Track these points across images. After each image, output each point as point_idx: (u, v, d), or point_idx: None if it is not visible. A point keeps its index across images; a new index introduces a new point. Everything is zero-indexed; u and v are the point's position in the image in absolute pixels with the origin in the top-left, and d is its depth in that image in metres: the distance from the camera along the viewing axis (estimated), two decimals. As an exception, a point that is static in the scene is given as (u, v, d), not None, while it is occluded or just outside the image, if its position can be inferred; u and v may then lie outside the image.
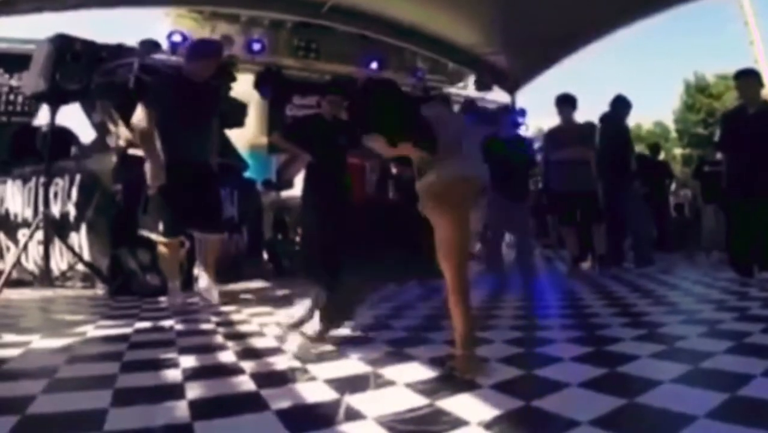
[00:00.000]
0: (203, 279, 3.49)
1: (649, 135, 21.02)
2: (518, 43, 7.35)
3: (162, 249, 3.33)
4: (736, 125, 4.27)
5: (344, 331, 2.46)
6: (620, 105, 5.26)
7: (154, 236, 3.28)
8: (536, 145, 6.74)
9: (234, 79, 6.47)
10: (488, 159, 5.76)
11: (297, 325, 2.37)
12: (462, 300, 1.74)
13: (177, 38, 6.99)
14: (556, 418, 1.35)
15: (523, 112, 8.73)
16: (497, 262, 5.07)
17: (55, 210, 4.21)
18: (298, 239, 5.55)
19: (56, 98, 3.84)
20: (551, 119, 5.57)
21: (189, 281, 3.76)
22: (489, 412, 1.39)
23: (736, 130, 4.23)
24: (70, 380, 1.69)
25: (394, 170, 5.04)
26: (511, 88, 8.84)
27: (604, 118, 5.31)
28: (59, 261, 4.15)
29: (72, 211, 4.20)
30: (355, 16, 7.23)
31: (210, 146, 3.52)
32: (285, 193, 6.41)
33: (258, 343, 2.27)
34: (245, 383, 1.68)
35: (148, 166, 3.18)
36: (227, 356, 2.04)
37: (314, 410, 1.44)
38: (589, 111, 5.67)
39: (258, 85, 7.72)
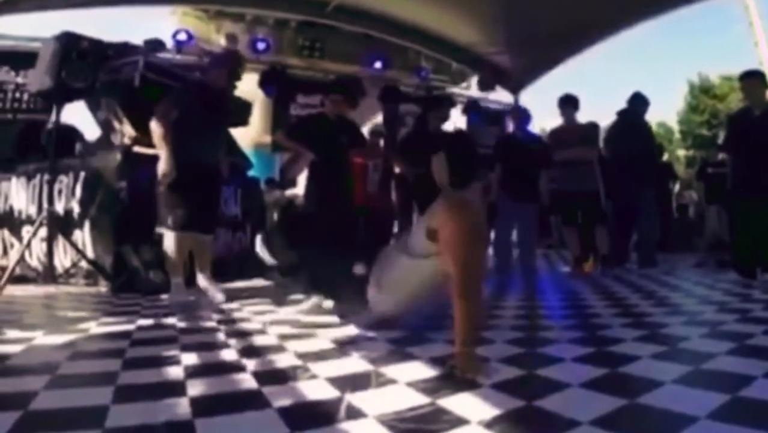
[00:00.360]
0: (202, 279, 3.55)
1: (653, 136, 20.86)
2: (521, 43, 7.33)
3: (171, 244, 3.37)
4: (741, 127, 4.24)
5: (346, 329, 2.47)
6: (638, 102, 5.21)
7: (166, 231, 3.35)
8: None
9: (239, 78, 6.47)
10: (499, 159, 5.72)
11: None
12: (463, 297, 1.78)
13: (182, 37, 7.02)
14: (556, 418, 1.35)
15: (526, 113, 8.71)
16: (506, 263, 5.05)
17: (59, 207, 4.23)
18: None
19: (62, 96, 3.86)
20: (554, 120, 5.57)
21: (192, 279, 3.77)
22: (490, 411, 1.39)
23: (742, 131, 4.20)
24: (72, 377, 1.70)
25: (396, 169, 5.03)
26: (515, 89, 8.82)
27: (621, 114, 5.27)
28: (63, 258, 4.17)
29: (76, 208, 4.23)
30: (359, 16, 7.24)
31: (221, 149, 3.63)
32: (289, 192, 6.44)
33: (259, 341, 2.28)
34: (247, 381, 1.68)
35: (160, 165, 3.24)
36: (229, 354, 2.05)
37: (315, 408, 1.44)
38: (592, 111, 5.65)
39: (262, 84, 7.74)
